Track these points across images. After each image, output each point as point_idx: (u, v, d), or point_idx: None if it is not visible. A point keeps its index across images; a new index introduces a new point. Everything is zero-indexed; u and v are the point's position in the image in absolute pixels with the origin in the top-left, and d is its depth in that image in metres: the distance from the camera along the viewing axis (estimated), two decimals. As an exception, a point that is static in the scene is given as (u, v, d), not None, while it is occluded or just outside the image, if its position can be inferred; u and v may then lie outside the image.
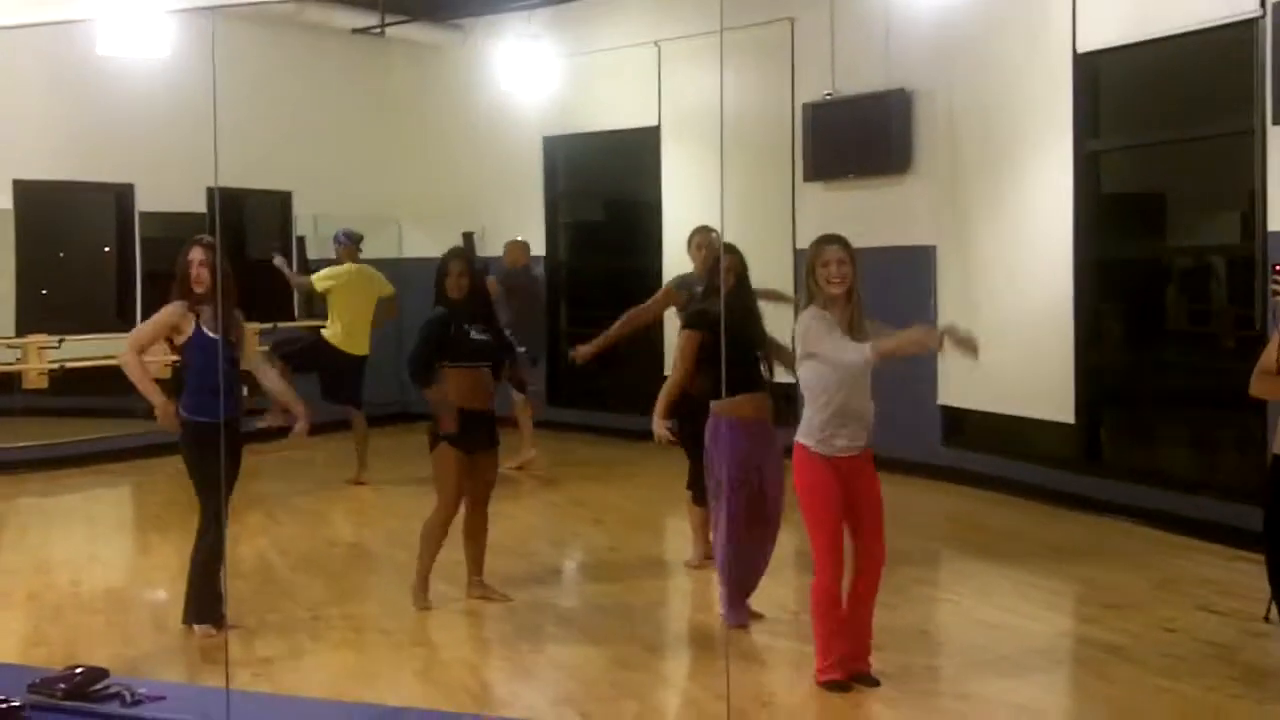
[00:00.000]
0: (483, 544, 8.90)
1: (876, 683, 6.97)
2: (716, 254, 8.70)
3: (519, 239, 14.25)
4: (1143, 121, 11.64)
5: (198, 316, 7.94)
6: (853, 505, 7.02)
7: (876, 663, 7.24)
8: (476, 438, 8.62)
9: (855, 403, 6.93)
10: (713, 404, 8.10)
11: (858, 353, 6.69)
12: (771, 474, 8.02)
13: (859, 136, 13.14)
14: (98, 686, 6.09)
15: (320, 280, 13.27)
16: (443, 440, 8.57)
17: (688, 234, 10.12)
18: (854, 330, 6.85)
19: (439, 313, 8.67)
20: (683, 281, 9.97)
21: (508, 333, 9.25)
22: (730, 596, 8.10)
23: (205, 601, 7.99)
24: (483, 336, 8.66)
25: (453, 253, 8.89)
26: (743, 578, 8.14)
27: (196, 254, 7.91)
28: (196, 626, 7.96)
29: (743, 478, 8.02)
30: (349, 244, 13.26)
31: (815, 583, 6.97)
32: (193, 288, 7.90)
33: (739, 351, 7.72)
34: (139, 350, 8.01)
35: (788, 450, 7.19)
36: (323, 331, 13.21)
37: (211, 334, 7.88)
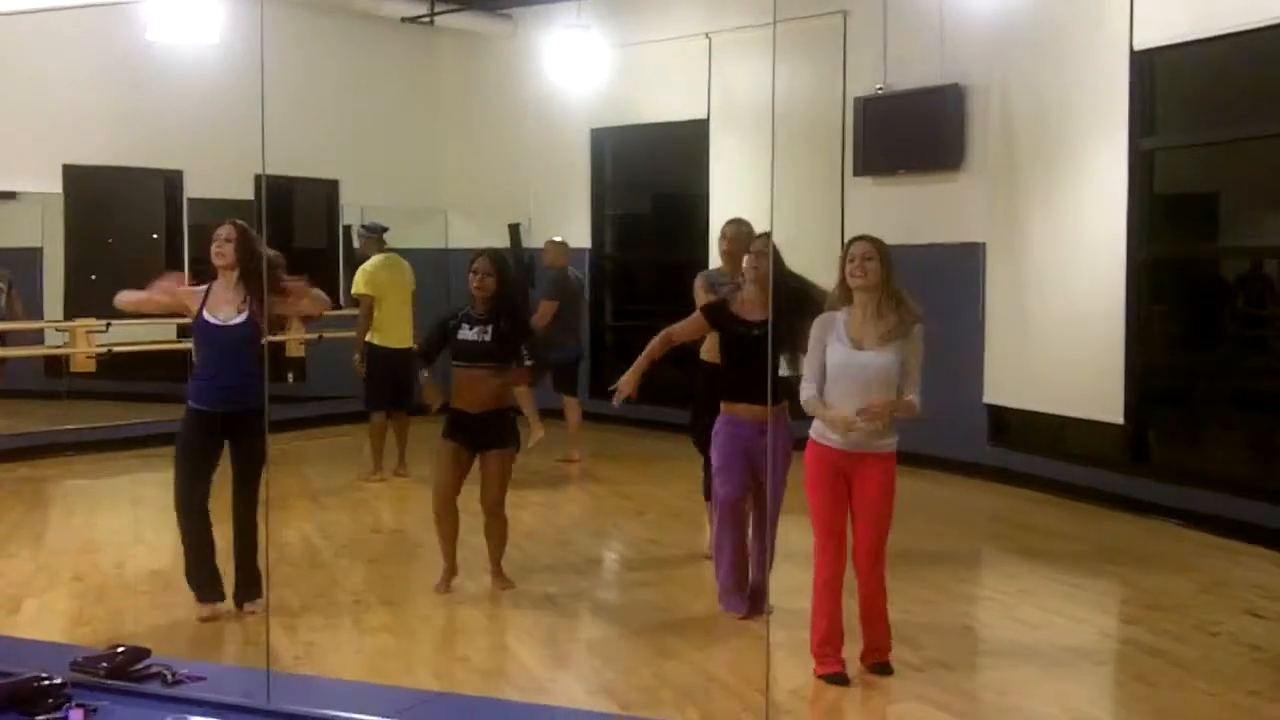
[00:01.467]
0: (495, 543, 8.88)
1: (889, 671, 7.05)
2: (743, 249, 8.69)
3: (558, 239, 14.16)
4: (1198, 120, 11.55)
5: (205, 297, 8.00)
6: (854, 502, 7.04)
7: (916, 659, 7.26)
8: (467, 437, 8.65)
9: (849, 404, 6.89)
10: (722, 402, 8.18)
11: (809, 381, 7.05)
12: (767, 470, 7.88)
13: (911, 131, 13.07)
14: (139, 666, 6.10)
15: (359, 286, 13.00)
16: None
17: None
18: (877, 328, 6.86)
19: (448, 310, 8.87)
20: (710, 278, 9.76)
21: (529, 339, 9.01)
22: (722, 583, 8.25)
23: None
24: (474, 338, 8.61)
25: (481, 252, 8.89)
26: (735, 566, 8.20)
27: (224, 231, 8.02)
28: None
29: (729, 469, 8.09)
30: (370, 236, 13.12)
31: (814, 575, 7.07)
32: (214, 260, 8.01)
33: (749, 359, 7.74)
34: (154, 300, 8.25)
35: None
36: (368, 337, 12.97)
37: (211, 319, 7.95)
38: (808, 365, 7.08)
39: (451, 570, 8.83)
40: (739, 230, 9.44)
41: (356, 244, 13.39)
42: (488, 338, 8.59)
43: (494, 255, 8.88)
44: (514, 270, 14.51)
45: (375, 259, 12.96)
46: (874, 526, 6.98)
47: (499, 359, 8.64)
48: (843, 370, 6.91)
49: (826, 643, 7.02)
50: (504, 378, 8.71)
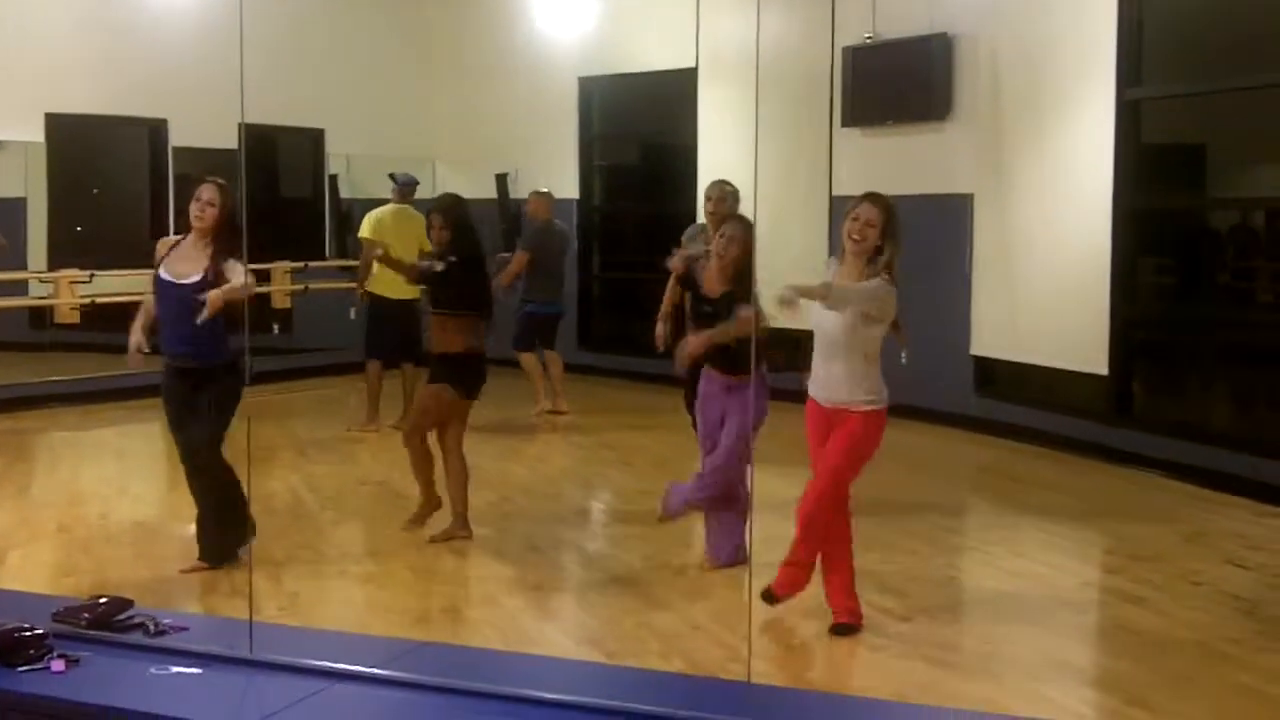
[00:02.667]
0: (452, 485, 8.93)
1: (848, 630, 6.96)
2: (726, 211, 8.82)
3: (542, 190, 14.02)
4: (1186, 70, 11.52)
5: (169, 251, 7.95)
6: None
7: (900, 608, 7.33)
8: (437, 375, 8.79)
9: (824, 360, 6.93)
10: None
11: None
12: (736, 425, 7.98)
13: (899, 82, 13.01)
14: (122, 617, 6.10)
15: (365, 229, 12.79)
16: None
17: (723, 176, 9.95)
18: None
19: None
20: (694, 233, 9.89)
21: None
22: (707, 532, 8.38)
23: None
24: (434, 282, 8.80)
25: (435, 205, 9.02)
26: (725, 521, 8.26)
27: (207, 191, 7.91)
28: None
29: (712, 438, 8.17)
30: (395, 187, 13.01)
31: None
32: (192, 222, 7.92)
33: (704, 329, 7.90)
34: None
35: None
36: (368, 285, 12.74)
37: (165, 275, 7.86)
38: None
39: (428, 504, 8.98)
40: (722, 191, 9.48)
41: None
42: (445, 280, 8.72)
43: (443, 207, 8.92)
44: (505, 213, 14.51)
45: (387, 208, 12.83)
46: (825, 472, 6.94)
47: (451, 304, 8.72)
48: (816, 328, 6.93)
49: (788, 564, 7.12)
50: (462, 321, 8.73)
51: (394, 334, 12.53)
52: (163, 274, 7.87)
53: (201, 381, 7.86)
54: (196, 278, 7.77)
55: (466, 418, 8.88)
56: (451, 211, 8.84)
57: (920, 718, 5.85)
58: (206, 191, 7.90)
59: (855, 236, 6.83)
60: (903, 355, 7.07)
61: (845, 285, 6.80)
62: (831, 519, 6.98)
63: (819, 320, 6.87)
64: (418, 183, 13.23)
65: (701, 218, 10.44)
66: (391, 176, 13.11)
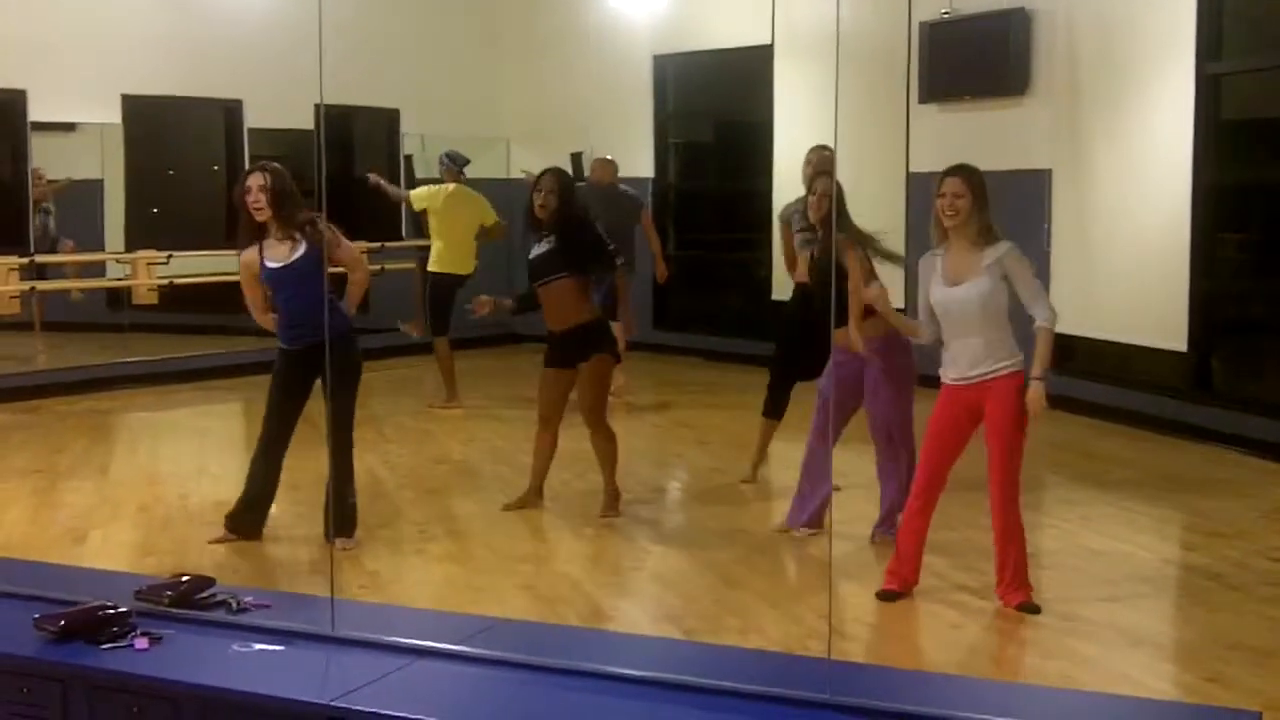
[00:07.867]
0: (600, 459, 8.92)
1: (1034, 609, 6.90)
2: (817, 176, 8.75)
3: (606, 157, 13.89)
4: (1266, 44, 11.39)
5: (261, 250, 7.93)
6: (985, 431, 7.03)
7: (978, 585, 7.29)
8: (558, 356, 8.80)
9: (958, 338, 6.92)
10: None
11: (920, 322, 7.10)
12: (874, 400, 8.06)
13: (976, 57, 12.93)
14: (204, 594, 6.12)
15: (417, 199, 13.05)
16: None
17: (799, 155, 9.86)
18: (970, 261, 6.84)
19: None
20: (787, 211, 9.85)
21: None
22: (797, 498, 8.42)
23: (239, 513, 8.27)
24: (542, 250, 8.69)
25: (546, 170, 8.89)
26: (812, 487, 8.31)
27: (255, 180, 7.85)
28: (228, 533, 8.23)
29: (823, 399, 8.20)
30: (451, 166, 13.09)
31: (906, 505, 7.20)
32: (252, 215, 7.86)
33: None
34: (260, 309, 8.18)
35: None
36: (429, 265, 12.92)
37: (272, 263, 7.89)
38: (919, 306, 7.10)
39: (532, 493, 8.99)
40: (821, 155, 9.30)
41: (440, 174, 13.28)
42: (553, 245, 8.64)
43: (559, 173, 8.89)
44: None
45: (444, 186, 12.98)
46: (999, 451, 6.96)
47: (569, 266, 8.65)
48: (943, 307, 6.91)
49: (893, 564, 7.13)
50: (581, 288, 8.74)
51: (453, 308, 12.62)
52: (270, 263, 7.89)
53: (319, 361, 7.88)
54: (300, 254, 7.83)
55: None
56: (565, 178, 8.90)
57: (999, 694, 5.81)
58: (255, 179, 7.85)
59: (949, 212, 6.83)
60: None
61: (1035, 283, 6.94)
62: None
63: (946, 296, 6.89)
64: (468, 161, 13.24)
65: (778, 195, 10.39)
66: (445, 156, 13.18)
